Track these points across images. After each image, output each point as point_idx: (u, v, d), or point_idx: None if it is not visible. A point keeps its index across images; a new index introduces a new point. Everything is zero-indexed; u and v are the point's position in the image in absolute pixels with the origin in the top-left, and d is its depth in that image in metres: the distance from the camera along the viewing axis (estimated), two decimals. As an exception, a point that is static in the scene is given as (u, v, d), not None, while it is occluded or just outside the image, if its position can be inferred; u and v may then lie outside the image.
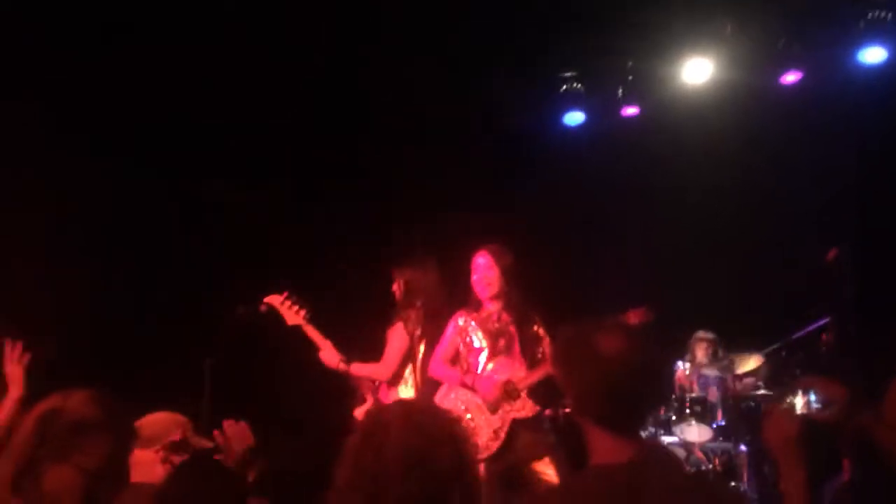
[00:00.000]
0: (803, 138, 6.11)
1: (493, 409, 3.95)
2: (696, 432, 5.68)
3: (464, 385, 4.04)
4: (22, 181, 4.83)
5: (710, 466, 5.65)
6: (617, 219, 6.88)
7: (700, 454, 5.71)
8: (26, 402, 2.69)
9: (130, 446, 2.16)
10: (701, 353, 6.09)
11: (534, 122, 7.02)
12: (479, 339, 4.11)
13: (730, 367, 5.66)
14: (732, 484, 5.49)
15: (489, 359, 4.08)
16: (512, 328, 4.11)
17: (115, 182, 5.27)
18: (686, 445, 5.72)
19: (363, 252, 6.23)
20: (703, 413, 5.70)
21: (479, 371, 4.06)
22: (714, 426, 5.69)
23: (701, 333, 6.12)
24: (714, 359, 5.88)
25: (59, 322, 4.73)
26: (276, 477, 2.57)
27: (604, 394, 1.65)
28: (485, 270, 4.12)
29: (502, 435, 3.91)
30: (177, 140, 5.62)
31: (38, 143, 4.95)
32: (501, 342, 4.07)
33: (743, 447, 5.58)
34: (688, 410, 5.70)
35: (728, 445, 5.66)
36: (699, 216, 6.35)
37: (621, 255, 6.86)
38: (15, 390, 2.87)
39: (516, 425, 3.92)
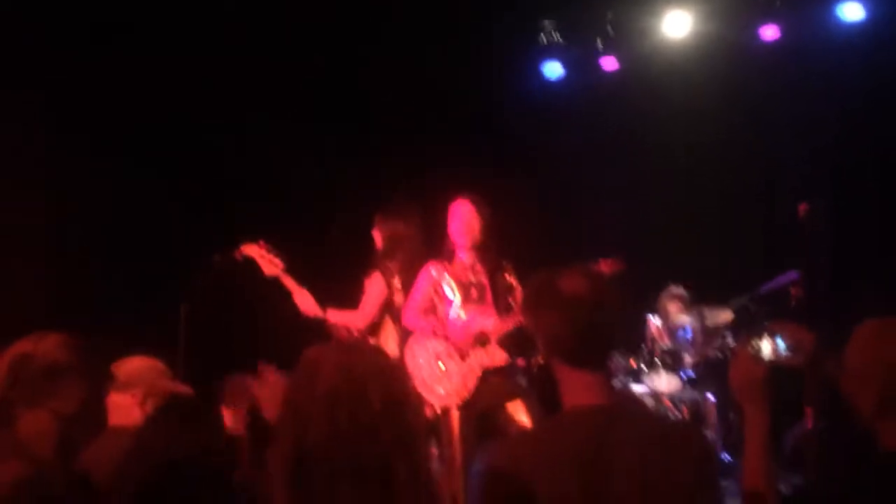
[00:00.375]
0: (782, 94, 6.15)
1: (465, 356, 4.00)
2: (665, 382, 5.80)
3: (435, 334, 4.08)
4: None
5: (678, 415, 5.79)
6: (595, 172, 6.90)
7: (669, 403, 5.84)
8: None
9: (105, 391, 2.16)
10: (672, 306, 6.18)
11: (513, 74, 6.99)
12: (451, 290, 4.14)
13: (700, 320, 5.76)
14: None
15: (461, 308, 4.12)
16: (484, 279, 4.14)
17: (95, 135, 5.20)
18: (655, 395, 5.85)
19: (343, 203, 6.24)
20: (673, 364, 5.82)
21: (451, 320, 4.10)
22: (683, 376, 5.82)
23: (672, 288, 6.21)
24: (685, 312, 5.97)
25: (34, 265, 4.70)
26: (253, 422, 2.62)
27: (569, 331, 1.73)
28: (467, 218, 4.13)
29: (473, 382, 3.98)
30: (163, 85, 5.54)
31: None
32: (474, 292, 4.11)
33: (710, 397, 5.72)
34: (658, 361, 5.82)
35: (696, 395, 5.80)
36: (677, 170, 6.39)
37: (598, 208, 6.91)
38: None
39: (487, 373, 3.99)
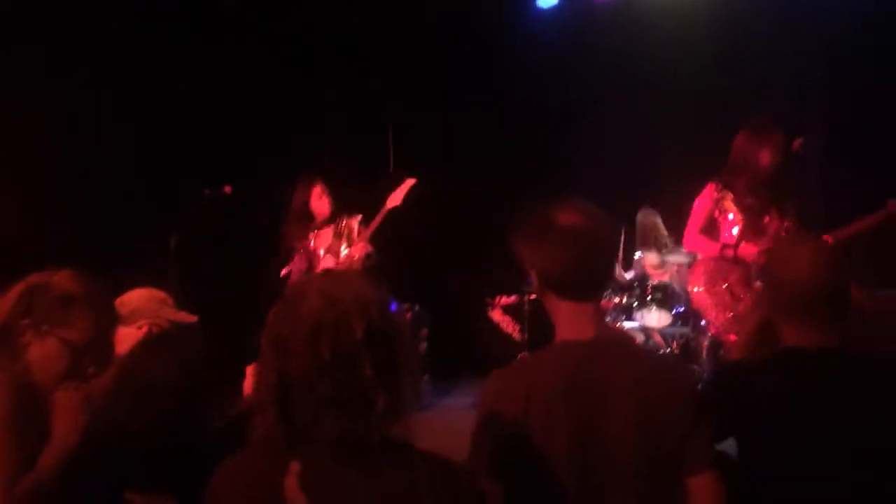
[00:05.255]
0: (773, 22, 6.02)
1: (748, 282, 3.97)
2: (656, 317, 5.83)
3: (719, 256, 4.07)
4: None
5: (668, 350, 5.84)
6: (587, 103, 6.82)
7: (659, 338, 5.89)
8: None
9: (114, 324, 2.19)
10: (646, 227, 6.10)
11: (507, 3, 6.86)
12: (732, 213, 4.07)
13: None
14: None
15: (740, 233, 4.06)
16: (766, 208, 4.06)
17: (90, 60, 5.09)
18: (645, 330, 5.90)
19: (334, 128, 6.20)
20: (664, 299, 5.84)
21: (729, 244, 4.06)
22: (674, 312, 5.85)
23: (649, 212, 6.08)
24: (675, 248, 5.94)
25: (21, 198, 4.65)
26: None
27: (564, 265, 1.71)
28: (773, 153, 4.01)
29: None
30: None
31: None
32: (752, 220, 4.06)
33: (699, 333, 5.75)
34: (649, 297, 5.84)
35: (686, 330, 5.84)
36: (669, 99, 6.31)
37: (595, 140, 6.85)
38: None
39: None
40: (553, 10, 6.77)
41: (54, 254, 2.25)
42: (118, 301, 2.50)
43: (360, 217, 5.26)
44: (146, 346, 2.13)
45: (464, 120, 6.60)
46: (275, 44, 6.11)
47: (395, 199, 5.15)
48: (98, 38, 5.07)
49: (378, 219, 5.16)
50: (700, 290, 4.07)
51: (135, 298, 2.56)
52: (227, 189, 4.73)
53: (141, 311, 2.52)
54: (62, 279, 2.07)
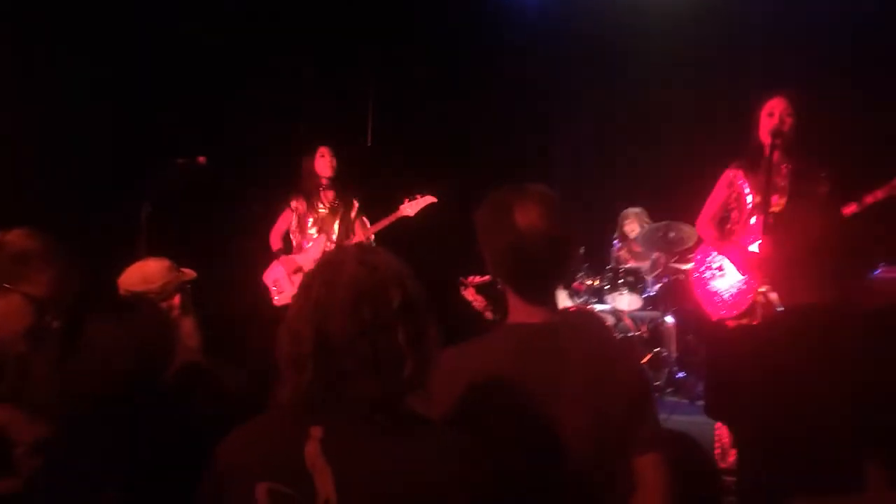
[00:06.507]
0: (761, 11, 6.03)
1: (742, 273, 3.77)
2: (626, 301, 5.91)
3: (719, 247, 3.88)
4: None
5: (638, 333, 5.91)
6: (567, 84, 6.83)
7: (629, 321, 5.97)
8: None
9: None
10: (630, 227, 6.24)
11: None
12: (749, 195, 3.79)
13: (664, 241, 5.80)
14: (658, 349, 5.77)
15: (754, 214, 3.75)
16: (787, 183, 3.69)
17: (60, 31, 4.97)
18: (616, 313, 5.97)
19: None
20: (635, 283, 5.91)
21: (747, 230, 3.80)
22: (644, 296, 5.92)
23: (630, 209, 6.26)
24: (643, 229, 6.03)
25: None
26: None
27: (517, 262, 1.69)
28: (783, 115, 3.64)
29: (749, 299, 3.72)
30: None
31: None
32: (774, 198, 3.62)
33: (670, 317, 5.83)
34: (620, 280, 5.90)
35: (656, 314, 5.91)
36: (650, 81, 6.33)
37: (568, 122, 6.87)
38: None
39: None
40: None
41: (23, 224, 2.23)
42: (141, 277, 2.51)
43: (357, 205, 5.23)
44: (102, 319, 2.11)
45: (437, 107, 6.60)
46: (251, 11, 6.03)
47: (410, 209, 5.11)
48: (68, 10, 4.96)
49: (385, 222, 5.14)
50: (701, 269, 4.01)
51: (157, 271, 2.55)
52: (202, 159, 4.67)
53: (170, 284, 2.54)
54: (16, 237, 2.12)
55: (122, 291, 2.51)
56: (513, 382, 1.64)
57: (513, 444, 1.61)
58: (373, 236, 5.18)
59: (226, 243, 5.45)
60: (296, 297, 1.43)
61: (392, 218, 5.13)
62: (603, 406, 1.63)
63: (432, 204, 5.19)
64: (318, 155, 5.17)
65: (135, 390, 1.89)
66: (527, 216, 1.67)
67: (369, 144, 6.85)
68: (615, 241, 6.38)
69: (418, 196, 5.17)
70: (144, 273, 2.53)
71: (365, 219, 5.26)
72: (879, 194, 3.44)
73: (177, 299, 2.54)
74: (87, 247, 2.59)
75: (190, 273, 2.63)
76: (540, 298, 1.73)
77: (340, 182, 5.22)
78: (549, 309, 1.74)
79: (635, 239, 6.13)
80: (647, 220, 6.17)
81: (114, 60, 5.25)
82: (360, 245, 1.51)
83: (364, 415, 1.34)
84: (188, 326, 2.54)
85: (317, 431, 1.33)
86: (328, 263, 1.43)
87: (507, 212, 1.68)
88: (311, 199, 5.19)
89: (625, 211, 6.30)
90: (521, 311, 1.73)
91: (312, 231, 5.19)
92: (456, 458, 1.35)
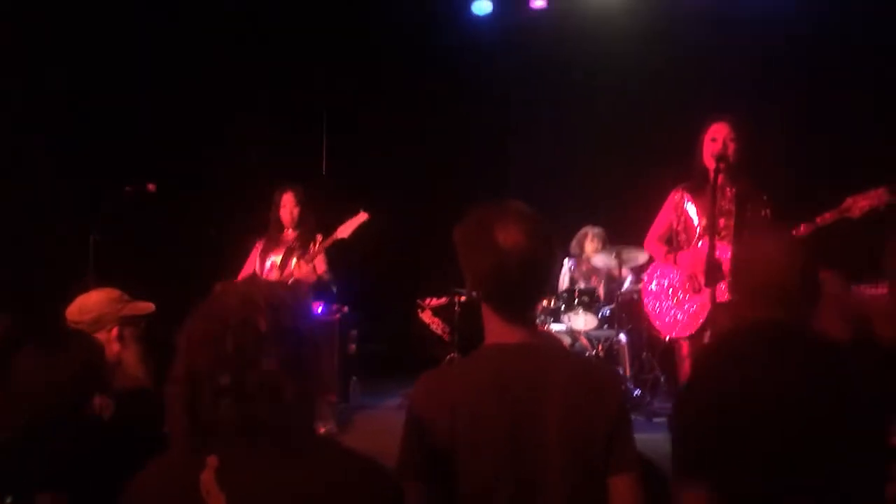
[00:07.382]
0: (710, 38, 6.18)
1: (699, 288, 3.77)
2: (582, 321, 5.95)
3: (673, 264, 3.89)
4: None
5: (594, 352, 5.96)
6: (522, 109, 6.91)
7: (585, 341, 6.01)
8: None
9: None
10: (590, 246, 6.32)
11: (443, 8, 6.90)
12: (695, 217, 3.84)
13: (618, 260, 5.88)
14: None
15: (702, 237, 3.80)
16: (734, 207, 3.76)
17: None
18: (572, 332, 6.00)
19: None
20: (590, 303, 5.96)
21: (690, 250, 3.84)
22: (600, 315, 5.97)
23: (589, 228, 6.33)
24: (602, 252, 6.10)
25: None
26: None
27: (497, 280, 1.69)
28: (726, 140, 3.72)
29: (703, 316, 3.73)
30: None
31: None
32: (721, 221, 3.72)
33: (623, 336, 5.90)
34: (576, 301, 5.95)
35: (611, 333, 5.97)
36: (603, 106, 6.43)
37: (527, 146, 6.94)
38: None
39: (719, 307, 3.56)
40: (488, 17, 6.83)
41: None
42: (78, 308, 2.46)
43: (320, 238, 5.18)
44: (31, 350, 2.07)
45: (396, 125, 6.61)
46: (201, 35, 6.00)
47: (345, 231, 5.06)
48: (24, 35, 4.88)
49: (322, 247, 5.10)
50: (651, 288, 4.07)
51: (95, 303, 2.49)
52: (151, 187, 4.61)
53: (105, 316, 2.47)
54: None
55: (67, 321, 2.47)
56: (493, 403, 1.64)
57: (493, 463, 1.61)
58: (315, 266, 5.13)
59: (181, 270, 5.37)
60: (178, 335, 1.44)
61: (327, 243, 5.08)
62: (584, 425, 1.64)
63: (370, 221, 5.11)
64: (281, 205, 5.17)
65: (55, 419, 1.87)
66: (508, 236, 1.66)
67: (324, 173, 6.84)
68: (569, 261, 6.42)
69: (349, 218, 5.11)
70: (82, 304, 2.49)
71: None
72: (829, 217, 3.52)
73: (115, 331, 2.47)
74: (36, 277, 2.54)
75: (144, 306, 2.58)
76: (520, 318, 1.73)
77: (304, 221, 5.21)
78: (528, 329, 1.74)
79: (590, 260, 6.20)
80: (605, 240, 6.24)
81: (59, 86, 5.18)
82: (249, 279, 1.54)
83: (254, 442, 1.35)
84: (130, 357, 2.48)
85: (213, 461, 1.34)
86: (210, 299, 1.45)
87: (487, 230, 1.68)
88: (272, 240, 5.21)
89: (585, 229, 6.34)
90: (500, 331, 1.73)
91: (267, 265, 5.18)
92: (353, 483, 1.36)
